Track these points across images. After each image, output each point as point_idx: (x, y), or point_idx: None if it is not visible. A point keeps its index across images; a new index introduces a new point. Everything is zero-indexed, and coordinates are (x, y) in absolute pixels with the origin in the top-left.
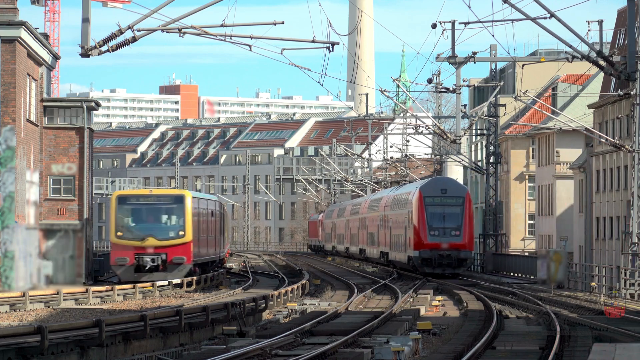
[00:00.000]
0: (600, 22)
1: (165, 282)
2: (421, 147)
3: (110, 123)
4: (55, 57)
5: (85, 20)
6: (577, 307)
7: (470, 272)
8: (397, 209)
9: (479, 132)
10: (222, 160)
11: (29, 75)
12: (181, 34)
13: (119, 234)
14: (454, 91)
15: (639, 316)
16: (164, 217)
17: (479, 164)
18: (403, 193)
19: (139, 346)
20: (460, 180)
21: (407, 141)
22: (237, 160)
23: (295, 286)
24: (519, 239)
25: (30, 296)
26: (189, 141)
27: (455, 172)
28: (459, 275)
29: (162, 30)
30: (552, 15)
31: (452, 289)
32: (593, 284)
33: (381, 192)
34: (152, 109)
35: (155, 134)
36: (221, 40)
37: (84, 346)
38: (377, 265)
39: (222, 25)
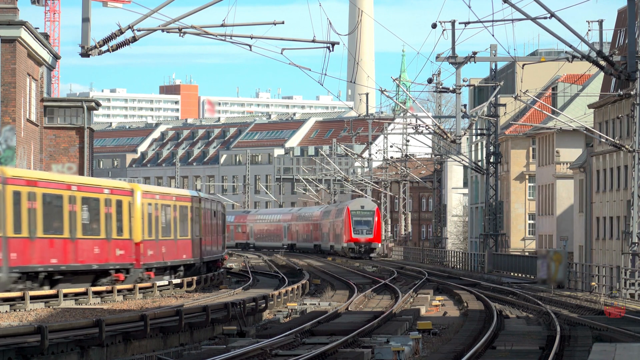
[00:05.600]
0: (600, 22)
1: (165, 282)
2: (421, 147)
3: (111, 123)
4: (56, 57)
5: (85, 20)
6: (577, 307)
7: (470, 272)
8: (337, 218)
9: (479, 132)
10: (222, 160)
11: (29, 75)
12: (181, 34)
13: None
14: (454, 91)
15: (639, 316)
16: None
17: (479, 163)
18: (340, 208)
19: (139, 346)
20: (461, 180)
21: (407, 141)
22: (237, 160)
23: (295, 286)
24: (519, 238)
25: (30, 296)
26: (189, 141)
27: (455, 172)
28: (371, 257)
29: (162, 30)
30: (552, 15)
31: (452, 289)
32: (593, 284)
33: (331, 205)
34: (152, 109)
35: (156, 134)
36: (221, 40)
37: (84, 346)
38: (376, 266)
39: (222, 25)
